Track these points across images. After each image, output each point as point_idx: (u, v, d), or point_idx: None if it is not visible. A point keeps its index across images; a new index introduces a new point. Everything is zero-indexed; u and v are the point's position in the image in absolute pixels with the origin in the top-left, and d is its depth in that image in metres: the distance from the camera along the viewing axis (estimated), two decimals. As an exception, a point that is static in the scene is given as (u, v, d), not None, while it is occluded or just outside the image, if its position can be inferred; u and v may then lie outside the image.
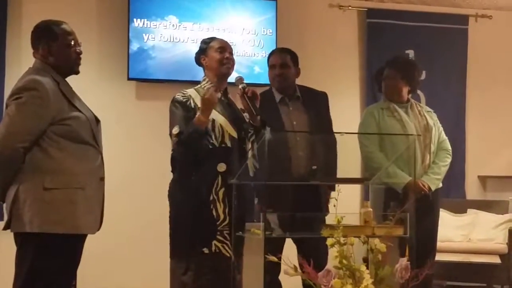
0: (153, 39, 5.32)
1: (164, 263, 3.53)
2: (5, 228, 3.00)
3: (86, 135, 3.05)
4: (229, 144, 3.43)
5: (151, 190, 4.91)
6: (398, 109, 4.24)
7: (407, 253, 3.06)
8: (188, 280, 3.36)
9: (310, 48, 5.59)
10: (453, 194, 6.00)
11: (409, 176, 4.00)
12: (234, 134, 3.45)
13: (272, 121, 3.75)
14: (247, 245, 3.52)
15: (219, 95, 3.52)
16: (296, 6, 5.84)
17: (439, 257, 4.51)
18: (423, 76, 5.35)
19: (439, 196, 4.30)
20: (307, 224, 3.50)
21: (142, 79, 5.35)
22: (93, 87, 5.05)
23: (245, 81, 3.56)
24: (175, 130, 3.35)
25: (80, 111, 3.05)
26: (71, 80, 3.15)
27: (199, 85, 3.58)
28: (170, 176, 3.50)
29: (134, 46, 5.27)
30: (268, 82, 4.31)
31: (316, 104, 4.16)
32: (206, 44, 3.60)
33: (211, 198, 3.38)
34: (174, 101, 3.46)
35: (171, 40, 5.37)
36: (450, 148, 4.35)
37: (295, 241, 3.88)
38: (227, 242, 3.37)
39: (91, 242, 3.15)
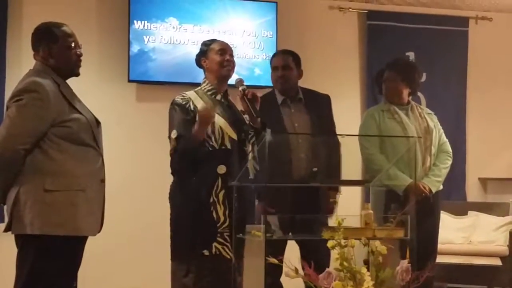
0: (154, 41, 5.32)
1: (164, 265, 3.52)
2: (5, 230, 3.01)
3: (87, 137, 3.05)
4: (229, 146, 3.43)
5: (151, 192, 4.90)
6: (399, 111, 4.23)
7: (407, 255, 3.05)
8: (189, 282, 3.36)
9: (310, 50, 5.59)
10: (454, 196, 6.00)
11: (410, 178, 4.00)
12: (234, 136, 3.45)
13: (274, 123, 3.75)
14: (248, 247, 3.51)
15: (219, 97, 3.52)
16: (296, 8, 5.84)
17: (439, 259, 4.51)
18: (424, 78, 5.35)
19: (439, 198, 4.30)
20: (308, 226, 3.50)
21: (143, 81, 5.35)
22: (94, 89, 5.05)
23: (245, 83, 3.56)
24: (173, 134, 3.36)
25: (80, 113, 3.06)
26: (71, 82, 3.16)
27: (199, 87, 3.58)
28: (170, 178, 3.50)
29: (135, 48, 5.27)
30: (268, 84, 4.32)
31: (319, 106, 4.16)
32: (206, 46, 3.60)
33: (211, 200, 3.38)
34: (174, 104, 3.46)
35: (171, 42, 5.37)
36: (450, 150, 4.34)
37: (298, 243, 3.87)
38: (228, 244, 3.37)
39: (92, 244, 3.15)
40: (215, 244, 3.35)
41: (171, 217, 3.48)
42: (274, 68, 4.18)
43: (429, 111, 4.44)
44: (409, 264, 2.96)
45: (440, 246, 4.44)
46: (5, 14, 5.06)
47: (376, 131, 4.20)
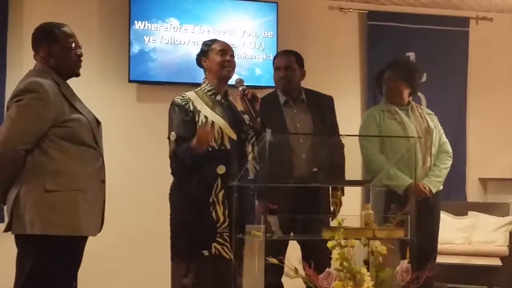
0: (154, 41, 5.33)
1: (165, 265, 3.53)
2: (6, 230, 3.01)
3: (87, 137, 3.05)
4: (228, 147, 3.43)
5: (151, 192, 4.91)
6: (399, 111, 4.23)
7: (408, 256, 3.06)
8: (189, 283, 3.36)
9: (311, 50, 5.58)
10: (454, 197, 6.01)
11: (410, 178, 4.00)
12: (234, 137, 3.45)
13: (276, 123, 3.75)
14: (249, 248, 3.51)
15: (219, 97, 3.52)
16: (297, 8, 5.85)
17: (440, 259, 4.51)
18: (424, 78, 5.36)
19: (439, 198, 4.30)
20: (309, 226, 3.51)
21: (143, 81, 5.35)
22: (94, 89, 5.05)
23: (245, 83, 3.56)
24: (173, 136, 3.36)
25: (81, 113, 3.06)
26: (72, 82, 3.16)
27: (199, 88, 3.58)
28: (170, 178, 3.51)
29: (135, 48, 5.28)
30: (268, 84, 4.32)
31: (321, 107, 4.14)
32: (207, 46, 3.60)
33: (211, 200, 3.38)
34: (173, 105, 3.47)
35: (172, 42, 5.37)
36: (450, 150, 4.35)
37: (299, 243, 3.88)
38: (227, 244, 3.37)
39: (92, 244, 3.15)
40: (214, 244, 3.35)
41: (171, 217, 3.48)
42: (276, 69, 4.17)
43: (429, 111, 4.45)
44: (409, 264, 2.96)
45: (440, 246, 4.44)
46: (6, 14, 5.06)
47: (377, 131, 4.20)
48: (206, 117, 3.41)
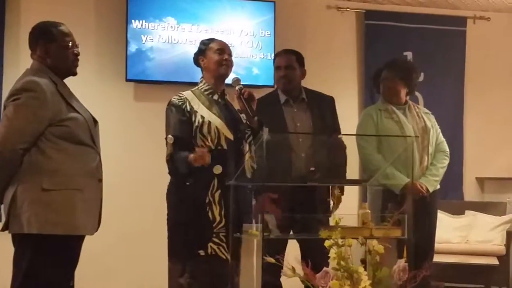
0: (151, 40, 5.33)
1: (161, 264, 3.52)
2: (3, 229, 3.00)
3: (84, 136, 3.04)
4: (225, 146, 3.42)
5: (148, 191, 4.91)
6: (396, 110, 4.24)
7: (405, 255, 3.06)
8: (184, 282, 3.36)
9: (308, 50, 5.55)
10: (451, 196, 6.01)
11: (407, 177, 4.00)
12: (230, 136, 3.44)
13: (276, 122, 3.75)
14: (247, 247, 3.51)
15: (216, 96, 3.52)
16: (294, 7, 5.85)
17: (437, 258, 4.51)
18: (421, 77, 5.35)
19: (437, 197, 4.30)
20: (308, 225, 3.50)
21: (140, 80, 5.35)
22: (91, 88, 5.04)
23: (242, 83, 3.56)
24: (170, 139, 3.35)
25: (78, 112, 3.05)
26: (69, 81, 3.15)
27: (196, 87, 3.57)
28: (167, 177, 3.50)
29: (132, 48, 5.27)
30: (266, 83, 4.32)
31: (321, 107, 4.13)
32: (205, 45, 3.60)
33: (207, 200, 3.37)
34: (170, 105, 3.47)
35: (169, 41, 5.37)
36: (448, 149, 4.35)
37: (298, 242, 3.87)
38: (223, 244, 3.36)
39: (89, 243, 3.15)
40: (210, 244, 3.35)
41: (168, 217, 3.48)
42: (277, 68, 4.17)
43: (427, 111, 4.45)
44: (406, 264, 2.97)
45: (437, 246, 4.45)
46: (3, 13, 5.05)
47: (374, 130, 4.20)
48: (202, 117, 3.41)
